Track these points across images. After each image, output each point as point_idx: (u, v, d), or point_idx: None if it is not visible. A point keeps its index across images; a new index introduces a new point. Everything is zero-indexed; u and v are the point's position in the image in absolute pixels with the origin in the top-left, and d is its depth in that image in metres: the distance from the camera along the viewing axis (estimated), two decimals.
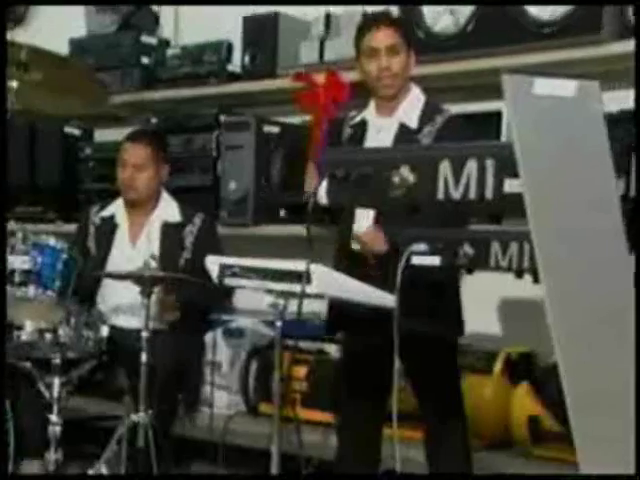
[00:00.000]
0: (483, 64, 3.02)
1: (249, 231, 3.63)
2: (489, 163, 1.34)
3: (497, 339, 3.26)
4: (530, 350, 3.01)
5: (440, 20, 3.14)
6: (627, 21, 2.71)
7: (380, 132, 2.64)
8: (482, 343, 3.08)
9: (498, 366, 2.89)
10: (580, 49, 2.80)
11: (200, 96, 3.89)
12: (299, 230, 3.52)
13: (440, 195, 1.37)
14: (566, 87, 1.07)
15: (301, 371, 3.24)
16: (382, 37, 2.61)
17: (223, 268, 2.54)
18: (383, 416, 2.73)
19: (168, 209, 3.43)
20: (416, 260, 2.02)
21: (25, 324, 2.66)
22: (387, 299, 2.31)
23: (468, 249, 1.97)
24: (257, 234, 3.64)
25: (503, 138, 2.95)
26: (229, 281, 2.52)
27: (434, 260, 2.01)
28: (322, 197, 1.88)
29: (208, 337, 3.51)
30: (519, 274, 1.96)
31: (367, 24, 2.71)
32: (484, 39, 3.00)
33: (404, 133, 2.59)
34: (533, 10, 2.88)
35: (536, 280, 1.89)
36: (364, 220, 2.50)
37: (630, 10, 2.71)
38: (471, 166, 1.36)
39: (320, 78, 3.47)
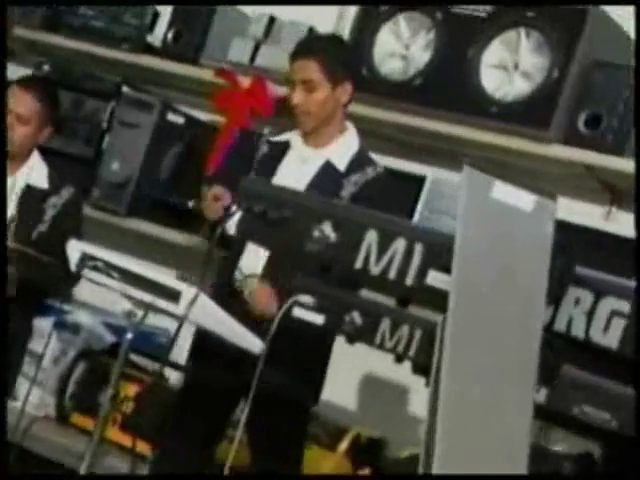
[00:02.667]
0: (421, 123, 3.11)
1: (119, 221, 3.58)
2: (418, 248, 1.38)
3: (351, 415, 3.31)
4: (382, 436, 3.07)
5: (389, 62, 3.21)
6: (577, 129, 2.85)
7: (303, 163, 2.66)
8: (334, 415, 3.12)
9: (344, 445, 2.93)
10: (523, 140, 2.91)
11: (106, 58, 3.79)
12: (173, 236, 3.54)
13: (358, 265, 1.40)
14: (524, 200, 1.12)
15: (131, 389, 3.18)
16: (297, 69, 2.62)
17: (85, 258, 2.50)
18: (206, 465, 2.73)
19: (36, 172, 3.32)
20: (298, 312, 2.05)
21: None
22: (255, 344, 2.34)
23: (357, 317, 2.00)
24: (127, 227, 3.59)
25: (419, 207, 3.04)
26: (87, 274, 2.48)
27: (317, 318, 2.03)
28: (230, 227, 1.87)
29: (37, 323, 3.40)
30: (400, 359, 2.01)
31: (293, 53, 2.72)
32: (429, 97, 3.07)
33: (329, 172, 2.62)
34: (489, 85, 2.96)
35: (418, 372, 1.96)
36: (254, 256, 2.50)
37: (582, 119, 2.86)
38: (399, 245, 1.39)
39: (245, 82, 3.49)
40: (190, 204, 3.54)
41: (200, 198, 2.76)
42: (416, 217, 3.03)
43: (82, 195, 3.44)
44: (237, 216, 1.57)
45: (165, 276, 2.40)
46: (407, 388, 3.20)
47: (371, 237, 1.41)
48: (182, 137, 3.64)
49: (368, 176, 2.64)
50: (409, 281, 1.38)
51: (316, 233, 1.46)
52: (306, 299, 2.04)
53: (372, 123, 3.20)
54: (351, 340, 2.06)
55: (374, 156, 2.78)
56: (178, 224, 3.56)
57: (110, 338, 3.48)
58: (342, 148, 2.68)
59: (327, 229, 1.45)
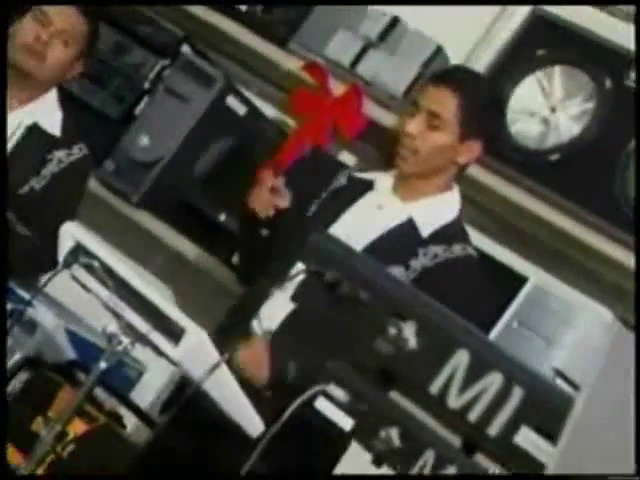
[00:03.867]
0: (543, 210, 3.16)
1: (126, 210, 3.63)
2: (517, 393, 1.40)
3: None
4: None
5: (525, 122, 3.27)
6: None
7: (380, 209, 2.70)
8: None
9: None
10: None
11: (175, 6, 3.88)
12: (187, 248, 3.59)
13: (434, 389, 1.42)
14: None
15: (78, 427, 3.20)
16: (430, 96, 2.68)
17: (79, 250, 2.53)
18: None
19: (48, 112, 3.35)
20: (321, 405, 2.07)
21: None
22: (255, 425, 2.36)
23: (395, 437, 2.03)
24: (134, 220, 3.63)
25: (508, 314, 3.06)
26: (76, 271, 2.52)
27: (344, 421, 2.06)
28: (289, 289, 1.88)
29: None
30: None
31: (431, 78, 2.84)
32: (563, 182, 3.13)
33: (407, 233, 2.65)
34: None
35: None
36: (278, 310, 2.54)
37: None
38: (493, 381, 1.41)
39: (339, 88, 3.55)
40: (222, 218, 3.61)
41: (252, 184, 2.81)
42: (499, 326, 3.05)
43: (94, 161, 3.51)
44: (299, 275, 1.60)
45: (171, 306, 2.43)
46: None
47: (461, 359, 1.43)
48: (237, 131, 3.68)
49: (453, 253, 2.66)
50: (493, 431, 1.40)
51: (392, 331, 1.48)
52: (337, 392, 2.07)
53: (479, 189, 3.25)
54: (379, 462, 2.09)
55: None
56: (197, 236, 3.61)
57: (70, 353, 3.50)
58: (434, 210, 2.71)
59: (408, 330, 1.47)
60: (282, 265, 2.68)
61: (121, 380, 3.54)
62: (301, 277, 1.62)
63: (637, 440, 1.33)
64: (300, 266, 1.61)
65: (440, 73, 2.91)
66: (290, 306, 2.51)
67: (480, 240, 2.99)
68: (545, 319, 3.05)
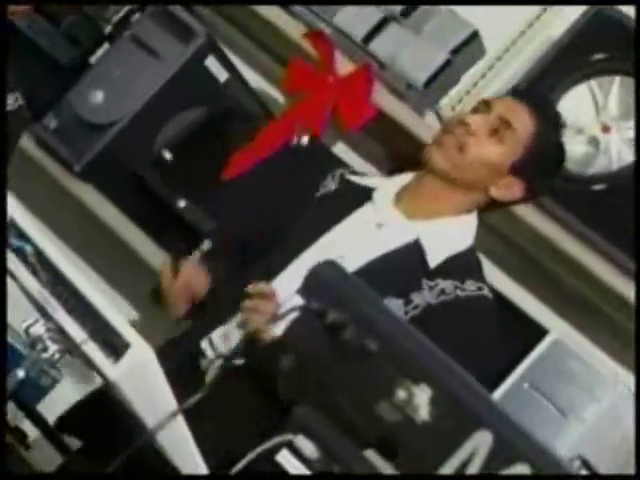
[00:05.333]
0: (578, 251, 3.19)
1: (65, 180, 3.62)
2: None
3: None
4: None
5: (570, 140, 3.27)
6: None
7: (379, 227, 2.69)
8: None
9: None
10: None
11: None
12: (133, 236, 3.58)
13: (444, 472, 1.44)
14: None
15: None
16: (509, 105, 2.72)
17: (10, 227, 2.53)
18: None
19: None
20: (283, 458, 2.09)
21: None
22: (196, 470, 2.37)
23: None
24: (71, 191, 3.63)
25: (520, 371, 3.09)
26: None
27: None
28: (279, 327, 1.88)
29: None
30: None
31: (513, 91, 2.95)
32: (606, 217, 3.16)
33: (411, 258, 2.63)
34: None
35: None
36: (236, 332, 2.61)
37: None
38: (517, 471, 1.43)
39: (345, 67, 3.56)
40: (181, 204, 3.61)
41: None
42: (507, 384, 3.07)
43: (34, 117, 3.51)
44: (291, 311, 1.60)
45: (117, 314, 2.43)
46: None
47: (482, 441, 1.44)
48: (214, 100, 3.69)
49: (464, 292, 2.65)
50: None
51: (401, 395, 1.49)
52: (306, 446, 2.08)
53: (502, 215, 3.27)
54: None
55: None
56: (148, 222, 3.61)
57: None
58: (446, 235, 2.70)
59: (421, 396, 1.48)
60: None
61: (31, 389, 3.54)
62: (297, 314, 1.62)
63: (637, 440, 1.34)
64: (297, 300, 1.62)
65: (526, 90, 3.05)
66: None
67: (497, 277, 2.99)
68: (563, 384, 3.07)
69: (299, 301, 1.64)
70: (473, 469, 1.45)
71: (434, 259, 2.67)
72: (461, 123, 2.67)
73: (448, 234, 2.72)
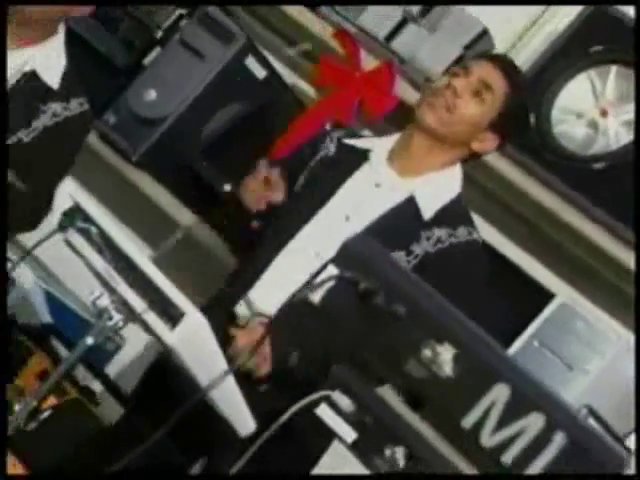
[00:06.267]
0: (581, 224, 3.17)
1: (124, 168, 3.61)
2: (558, 439, 1.40)
3: None
4: None
5: (571, 124, 3.26)
6: None
7: (378, 187, 2.70)
8: None
9: None
10: None
11: None
12: (185, 217, 3.59)
13: (467, 423, 1.43)
14: None
15: (48, 400, 3.20)
16: (482, 67, 2.71)
17: (76, 212, 2.53)
18: None
19: (51, 59, 3.35)
20: (323, 412, 2.07)
21: None
22: (246, 424, 2.36)
23: (400, 456, 2.03)
24: (130, 179, 3.62)
25: (530, 331, 3.07)
26: (70, 236, 2.51)
27: (346, 432, 2.06)
28: (316, 295, 1.88)
29: None
30: None
31: (489, 55, 2.95)
32: (605, 194, 3.12)
33: (407, 214, 2.63)
34: None
35: None
36: (274, 291, 2.56)
37: None
38: (535, 422, 1.41)
39: (370, 63, 3.54)
40: (226, 188, 3.60)
41: (247, 175, 2.81)
42: (518, 343, 3.06)
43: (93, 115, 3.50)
44: (328, 280, 1.59)
45: (172, 286, 2.43)
46: None
47: (500, 394, 1.43)
48: (253, 95, 3.67)
49: (457, 238, 2.66)
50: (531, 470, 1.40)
51: (427, 353, 1.49)
52: (343, 401, 2.08)
53: (511, 192, 3.25)
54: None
55: (494, 238, 2.83)
56: (197, 205, 3.61)
57: (46, 316, 3.52)
58: (436, 188, 2.70)
59: (445, 354, 1.47)
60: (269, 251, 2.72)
61: (98, 353, 3.55)
62: (332, 283, 1.61)
63: (637, 440, 1.33)
64: (332, 270, 1.61)
65: (497, 55, 3.02)
66: (285, 292, 2.51)
67: (510, 248, 2.97)
68: (569, 341, 3.06)
69: (333, 271, 1.63)
70: (492, 419, 1.44)
71: (428, 212, 2.70)
72: (448, 88, 2.68)
73: (438, 187, 2.74)
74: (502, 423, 1.45)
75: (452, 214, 2.69)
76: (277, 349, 2.57)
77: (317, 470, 2.22)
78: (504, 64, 2.79)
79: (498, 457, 1.44)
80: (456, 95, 2.67)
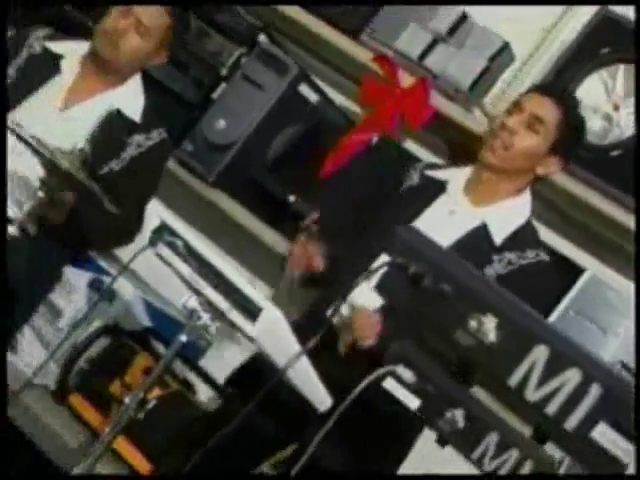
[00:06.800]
0: (601, 203, 3.10)
1: (202, 189, 3.61)
2: (594, 390, 1.39)
3: None
4: None
5: (588, 118, 3.22)
6: None
7: (452, 214, 2.67)
8: None
9: None
10: None
11: None
12: (258, 227, 3.59)
13: (513, 381, 1.41)
14: None
15: (152, 393, 3.23)
16: (536, 102, 2.68)
17: (163, 229, 2.54)
18: None
19: (131, 98, 3.37)
20: (390, 385, 2.07)
21: None
22: (324, 401, 2.36)
23: (460, 418, 2.02)
24: (208, 198, 3.62)
25: (565, 302, 3.04)
26: (160, 249, 2.52)
27: (411, 401, 2.05)
28: (372, 280, 1.88)
29: (69, 273, 3.47)
30: None
31: (538, 86, 2.91)
32: (621, 177, 3.07)
33: (480, 240, 2.61)
34: None
35: None
36: (364, 298, 2.51)
37: None
38: (572, 377, 1.40)
39: (407, 80, 3.51)
40: (291, 199, 3.60)
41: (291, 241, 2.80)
42: (556, 313, 3.03)
43: (171, 145, 3.52)
44: (382, 267, 1.59)
45: (249, 285, 2.43)
46: None
47: (540, 354, 1.42)
48: (308, 117, 3.66)
49: (526, 260, 2.63)
50: (570, 425, 1.39)
51: (473, 324, 1.48)
52: (405, 373, 2.07)
53: (541, 183, 3.21)
54: (443, 442, 2.08)
55: None
56: (267, 216, 3.61)
57: (146, 321, 3.54)
58: (506, 215, 2.68)
59: (488, 324, 1.46)
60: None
61: (193, 350, 3.57)
62: (385, 269, 1.61)
63: (637, 439, 1.30)
64: (384, 258, 1.61)
65: (547, 85, 2.99)
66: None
67: (544, 233, 2.94)
68: (601, 309, 3.03)
69: (386, 259, 1.63)
70: (534, 377, 1.43)
71: (499, 237, 2.66)
72: (504, 128, 2.66)
73: (508, 214, 2.71)
74: (543, 380, 1.43)
75: (522, 238, 2.67)
76: (386, 332, 2.53)
77: None
78: (553, 92, 2.78)
79: (542, 409, 1.43)
80: (511, 133, 2.64)
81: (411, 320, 1.69)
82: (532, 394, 1.44)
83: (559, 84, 3.25)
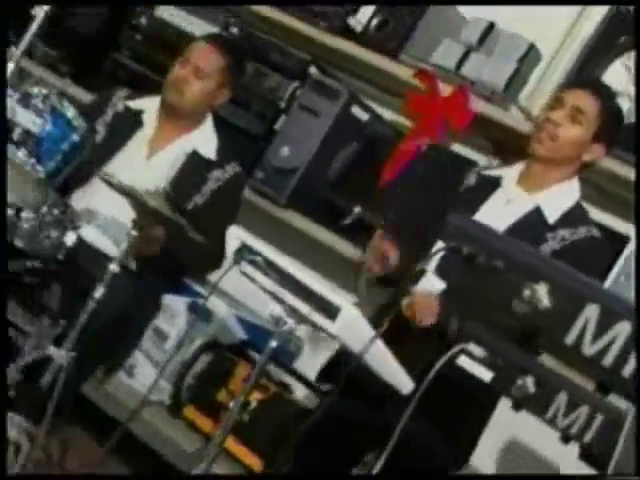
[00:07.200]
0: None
1: (275, 211, 3.64)
2: None
3: None
4: None
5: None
6: None
7: (508, 203, 2.67)
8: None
9: None
10: None
11: (298, 32, 3.86)
12: (330, 239, 3.59)
13: (569, 340, 1.40)
14: None
15: (254, 396, 3.25)
16: (576, 95, 2.66)
17: (244, 249, 2.56)
18: None
19: (206, 139, 3.43)
20: (464, 362, 2.05)
21: None
22: (406, 384, 2.35)
23: (530, 384, 1.99)
24: (282, 218, 3.65)
25: (616, 269, 2.99)
26: (244, 267, 2.54)
27: (484, 374, 2.04)
28: (431, 264, 1.89)
29: (169, 300, 3.52)
30: (568, 440, 1.99)
31: (576, 81, 2.90)
32: None
33: (535, 221, 2.61)
34: None
35: (588, 460, 1.94)
36: (424, 283, 2.51)
37: None
38: (623, 329, 1.38)
39: (446, 89, 3.51)
40: (356, 210, 3.60)
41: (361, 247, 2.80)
42: (608, 280, 2.98)
43: (245, 175, 3.55)
44: (438, 252, 1.59)
45: (325, 288, 2.44)
46: (559, 469, 3.16)
47: (591, 312, 1.40)
48: (362, 134, 3.67)
49: (578, 235, 2.62)
50: (627, 373, 1.37)
51: (527, 293, 1.46)
52: (476, 350, 2.05)
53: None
54: (518, 407, 2.06)
55: None
56: (339, 228, 3.62)
57: (241, 334, 3.57)
58: (558, 198, 2.68)
59: (541, 291, 1.45)
60: None
61: (285, 354, 3.58)
62: (441, 254, 1.60)
63: (637, 438, 1.26)
64: (440, 244, 1.61)
65: (586, 79, 2.98)
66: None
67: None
68: None
69: (442, 244, 1.63)
70: (589, 333, 1.41)
71: (552, 216, 2.65)
72: (549, 122, 2.64)
73: (559, 196, 2.71)
74: (597, 335, 1.42)
75: (573, 217, 2.68)
76: (443, 311, 2.52)
77: None
78: (590, 85, 2.77)
79: (599, 362, 1.41)
80: (556, 125, 2.63)
81: (470, 298, 1.67)
82: (588, 349, 1.42)
83: (594, 77, 3.21)
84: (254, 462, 3.19)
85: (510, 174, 2.74)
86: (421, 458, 2.56)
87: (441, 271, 1.65)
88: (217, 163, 3.40)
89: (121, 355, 3.48)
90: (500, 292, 1.50)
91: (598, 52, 3.31)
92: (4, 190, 2.59)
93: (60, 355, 2.72)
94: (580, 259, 2.49)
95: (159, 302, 3.51)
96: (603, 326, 1.41)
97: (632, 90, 3.17)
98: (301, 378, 3.37)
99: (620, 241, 3.05)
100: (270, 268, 2.47)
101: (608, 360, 1.40)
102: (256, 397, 3.24)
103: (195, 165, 3.36)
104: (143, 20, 4.16)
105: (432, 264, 1.85)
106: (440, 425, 2.52)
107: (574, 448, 1.95)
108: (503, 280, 1.50)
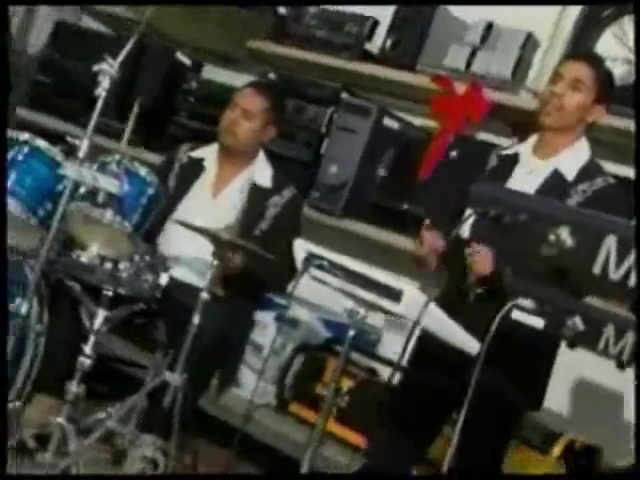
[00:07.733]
0: None
1: (334, 222, 3.65)
2: None
3: (564, 421, 3.24)
4: (596, 445, 2.99)
5: (612, 67, 3.12)
6: None
7: (529, 173, 2.65)
8: (547, 419, 3.05)
9: (557, 449, 2.87)
10: None
11: (326, 65, 3.89)
12: (387, 237, 3.59)
13: (596, 270, 1.38)
14: None
15: (347, 384, 3.27)
16: (572, 67, 2.65)
17: (310, 257, 2.57)
18: (414, 461, 2.78)
19: (261, 171, 3.47)
20: (517, 316, 2.04)
21: (91, 246, 2.72)
22: (473, 346, 2.33)
23: (579, 323, 1.97)
24: (341, 227, 3.65)
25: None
26: (313, 272, 2.56)
27: (537, 322, 2.02)
28: (465, 230, 1.90)
29: (259, 316, 3.56)
30: (623, 366, 1.96)
31: (569, 55, 2.87)
32: None
33: (556, 182, 2.58)
34: None
35: None
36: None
37: None
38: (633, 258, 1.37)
39: (461, 88, 3.50)
40: (405, 207, 3.60)
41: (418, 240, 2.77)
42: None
43: (302, 196, 3.58)
44: (470, 219, 1.59)
45: (387, 276, 2.44)
46: (624, 397, 3.10)
47: (610, 242, 1.39)
48: (397, 141, 3.67)
49: (597, 186, 2.58)
50: None
51: (552, 237, 1.45)
52: (525, 303, 2.03)
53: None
54: (572, 345, 2.04)
55: None
56: (392, 225, 3.61)
57: (325, 334, 3.59)
58: (572, 157, 2.65)
59: (564, 234, 1.44)
60: None
61: (367, 344, 3.59)
62: (471, 219, 1.60)
63: (637, 437, 1.23)
64: (469, 211, 1.60)
65: (579, 52, 2.96)
66: None
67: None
68: None
69: (470, 211, 1.62)
70: (612, 260, 1.39)
71: (571, 175, 2.62)
72: (553, 94, 2.62)
73: (573, 156, 2.68)
74: (619, 261, 1.39)
75: (589, 171, 2.63)
76: (498, 262, 2.48)
77: None
78: (584, 56, 2.76)
79: (625, 284, 1.39)
80: (560, 96, 2.62)
81: (507, 251, 1.67)
82: (614, 274, 1.40)
83: (584, 48, 3.17)
84: (356, 439, 3.20)
85: (525, 149, 2.71)
86: (498, 406, 2.53)
87: (474, 235, 1.64)
88: (273, 190, 3.44)
89: (230, 371, 3.52)
90: (528, 242, 1.50)
91: (588, 27, 3.27)
92: (4, 190, 2.63)
93: (174, 379, 2.78)
94: (606, 205, 2.45)
95: (251, 319, 3.55)
96: (623, 253, 1.40)
97: (626, 53, 3.13)
98: (385, 361, 3.37)
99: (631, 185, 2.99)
100: (336, 269, 2.49)
101: (632, 281, 1.38)
102: (347, 384, 3.26)
103: (256, 196, 3.41)
104: (193, 84, 4.23)
105: (465, 230, 1.84)
106: (511, 376, 2.50)
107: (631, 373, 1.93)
108: (529, 231, 1.49)
